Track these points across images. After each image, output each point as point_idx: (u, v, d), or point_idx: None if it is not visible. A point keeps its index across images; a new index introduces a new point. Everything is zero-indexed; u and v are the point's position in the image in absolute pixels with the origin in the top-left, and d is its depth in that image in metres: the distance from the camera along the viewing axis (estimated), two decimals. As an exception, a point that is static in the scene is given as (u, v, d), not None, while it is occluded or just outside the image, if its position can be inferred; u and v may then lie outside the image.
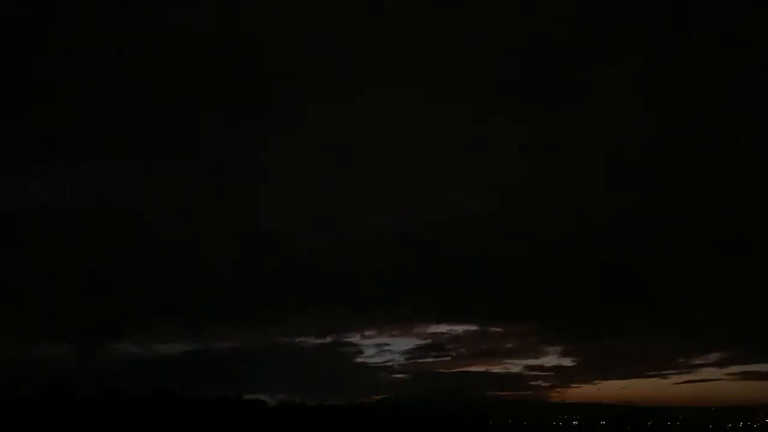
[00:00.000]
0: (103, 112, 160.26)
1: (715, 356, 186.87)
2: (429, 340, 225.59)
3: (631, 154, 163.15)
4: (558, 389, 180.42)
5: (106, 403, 63.08)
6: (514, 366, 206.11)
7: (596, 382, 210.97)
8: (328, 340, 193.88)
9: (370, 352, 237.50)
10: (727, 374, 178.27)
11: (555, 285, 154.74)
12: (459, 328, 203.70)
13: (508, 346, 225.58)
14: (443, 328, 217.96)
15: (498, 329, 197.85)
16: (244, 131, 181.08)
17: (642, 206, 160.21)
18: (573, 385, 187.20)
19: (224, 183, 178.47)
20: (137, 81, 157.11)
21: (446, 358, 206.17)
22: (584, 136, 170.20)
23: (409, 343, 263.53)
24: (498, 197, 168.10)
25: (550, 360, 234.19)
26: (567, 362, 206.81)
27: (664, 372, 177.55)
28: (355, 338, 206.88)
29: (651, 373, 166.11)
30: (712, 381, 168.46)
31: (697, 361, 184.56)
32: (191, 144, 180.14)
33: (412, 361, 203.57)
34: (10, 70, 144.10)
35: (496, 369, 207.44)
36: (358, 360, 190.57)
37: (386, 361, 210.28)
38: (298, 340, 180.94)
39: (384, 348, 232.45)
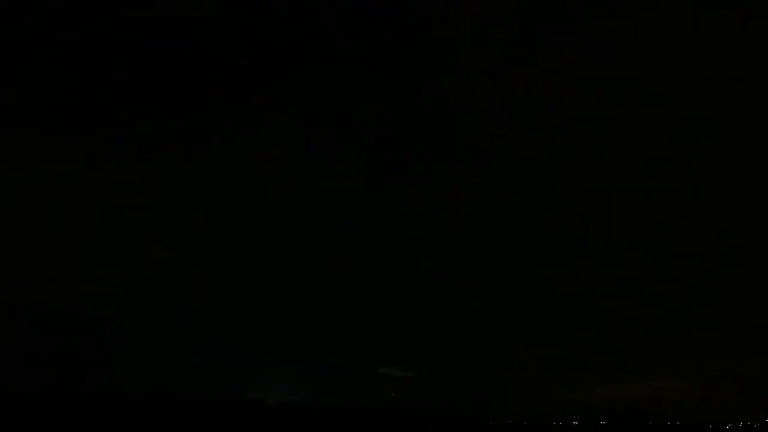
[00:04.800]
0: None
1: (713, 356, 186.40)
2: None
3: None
4: (559, 389, 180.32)
5: (105, 403, 63.11)
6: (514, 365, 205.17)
7: (597, 382, 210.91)
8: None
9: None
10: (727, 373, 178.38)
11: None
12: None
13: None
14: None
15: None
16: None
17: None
18: (573, 386, 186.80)
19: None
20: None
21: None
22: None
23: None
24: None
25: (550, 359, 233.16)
26: (566, 362, 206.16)
27: (664, 372, 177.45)
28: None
29: (651, 372, 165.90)
30: (712, 381, 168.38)
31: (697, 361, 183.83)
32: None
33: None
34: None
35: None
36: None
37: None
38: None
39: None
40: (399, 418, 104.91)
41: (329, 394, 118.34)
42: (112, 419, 60.14)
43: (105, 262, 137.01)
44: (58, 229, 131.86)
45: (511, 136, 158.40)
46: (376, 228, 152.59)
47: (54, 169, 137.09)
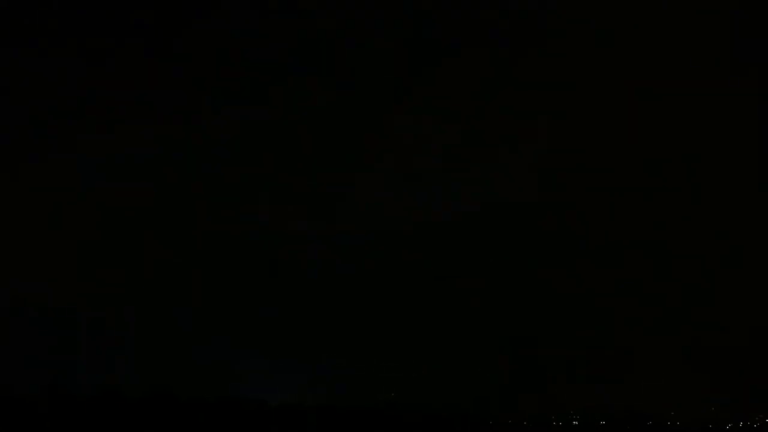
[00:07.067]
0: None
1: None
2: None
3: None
4: (559, 389, 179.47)
5: (105, 403, 63.11)
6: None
7: (597, 382, 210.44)
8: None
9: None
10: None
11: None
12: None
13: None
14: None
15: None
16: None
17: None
18: (573, 386, 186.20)
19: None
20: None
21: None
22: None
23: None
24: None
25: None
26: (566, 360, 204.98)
27: (663, 372, 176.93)
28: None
29: (651, 372, 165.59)
30: (712, 381, 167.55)
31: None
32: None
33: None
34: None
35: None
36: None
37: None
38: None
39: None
40: (399, 418, 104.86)
41: (329, 394, 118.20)
42: (112, 419, 60.13)
43: (105, 262, 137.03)
44: (58, 229, 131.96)
45: (510, 135, 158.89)
46: (376, 227, 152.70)
47: (54, 170, 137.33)
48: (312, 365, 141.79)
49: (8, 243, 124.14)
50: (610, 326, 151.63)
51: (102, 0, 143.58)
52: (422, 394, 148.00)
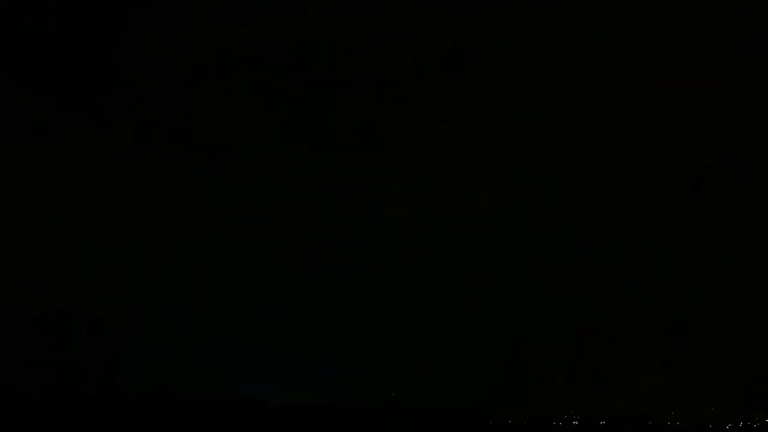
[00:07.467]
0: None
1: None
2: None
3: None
4: (559, 389, 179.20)
5: (105, 403, 63.16)
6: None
7: (597, 382, 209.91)
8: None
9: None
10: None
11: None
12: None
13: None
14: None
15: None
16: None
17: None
18: (573, 386, 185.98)
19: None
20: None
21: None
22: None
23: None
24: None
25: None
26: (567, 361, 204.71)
27: (664, 372, 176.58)
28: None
29: (651, 373, 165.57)
30: (712, 381, 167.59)
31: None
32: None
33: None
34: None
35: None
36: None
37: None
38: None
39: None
40: (399, 418, 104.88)
41: (329, 394, 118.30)
42: (112, 419, 60.19)
43: (105, 262, 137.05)
44: (58, 229, 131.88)
45: (510, 136, 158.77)
46: (376, 228, 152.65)
47: (54, 170, 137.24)
48: (312, 365, 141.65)
49: (8, 243, 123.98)
50: (610, 326, 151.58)
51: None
52: (422, 394, 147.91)
